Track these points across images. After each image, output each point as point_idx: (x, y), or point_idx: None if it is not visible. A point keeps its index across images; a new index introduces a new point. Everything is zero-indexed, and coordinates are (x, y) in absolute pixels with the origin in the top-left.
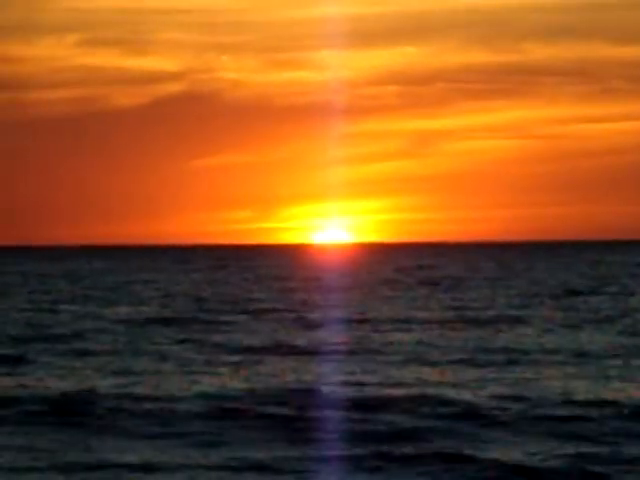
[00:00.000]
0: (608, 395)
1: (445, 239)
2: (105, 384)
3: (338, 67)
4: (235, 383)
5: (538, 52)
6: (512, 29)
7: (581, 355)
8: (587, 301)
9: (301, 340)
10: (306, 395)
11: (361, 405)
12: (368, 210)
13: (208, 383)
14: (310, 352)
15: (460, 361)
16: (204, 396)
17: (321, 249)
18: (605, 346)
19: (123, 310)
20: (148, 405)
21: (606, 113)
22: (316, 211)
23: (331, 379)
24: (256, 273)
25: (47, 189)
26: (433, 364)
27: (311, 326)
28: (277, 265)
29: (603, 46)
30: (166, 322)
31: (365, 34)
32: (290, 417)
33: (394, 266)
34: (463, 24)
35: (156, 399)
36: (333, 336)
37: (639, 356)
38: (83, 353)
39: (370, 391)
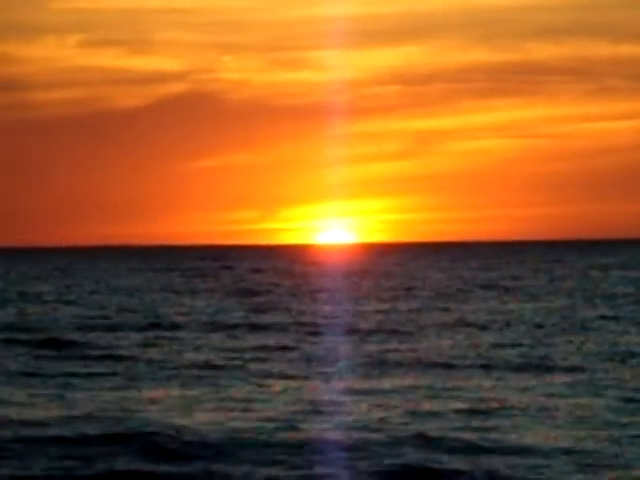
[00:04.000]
0: None
1: (449, 239)
2: None
3: (340, 67)
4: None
5: (540, 51)
6: (513, 28)
7: None
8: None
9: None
10: None
11: None
12: (370, 210)
13: None
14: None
15: None
16: None
17: (323, 249)
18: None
19: None
20: None
21: (608, 112)
22: (319, 211)
23: None
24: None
25: (47, 190)
26: None
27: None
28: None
29: (605, 45)
30: None
31: (367, 34)
32: None
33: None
34: (464, 23)
35: None
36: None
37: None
38: None
39: None
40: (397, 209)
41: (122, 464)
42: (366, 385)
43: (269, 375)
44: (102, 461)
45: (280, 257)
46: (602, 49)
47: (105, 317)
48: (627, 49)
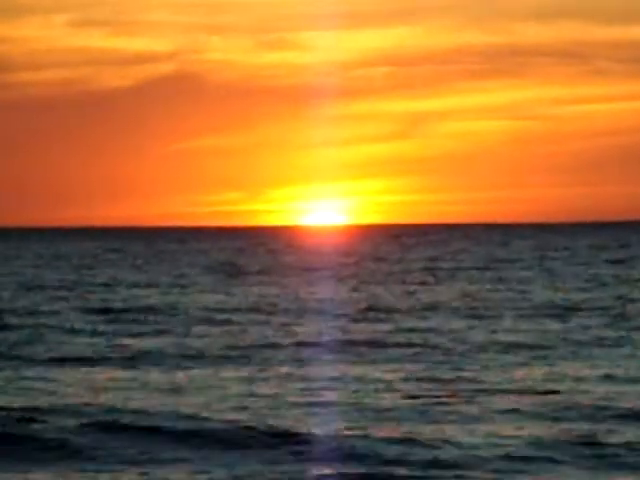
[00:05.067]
0: None
1: (439, 220)
2: None
3: (328, 48)
4: None
5: (531, 33)
6: (504, 10)
7: None
8: None
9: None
10: None
11: None
12: (360, 192)
13: None
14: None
15: None
16: None
17: (308, 231)
18: None
19: None
20: None
21: (600, 94)
22: (306, 193)
23: None
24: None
25: (28, 170)
26: None
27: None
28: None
29: (596, 27)
30: None
31: (356, 15)
32: None
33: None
34: (455, 5)
35: None
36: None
37: None
38: None
39: None
40: (387, 190)
41: None
42: None
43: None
44: None
45: (262, 238)
46: (594, 31)
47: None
48: (619, 31)
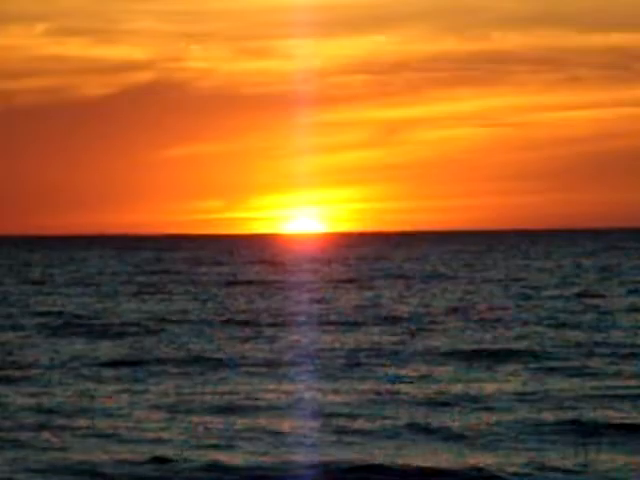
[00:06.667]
0: None
1: (415, 228)
2: None
3: (307, 56)
4: None
5: (507, 40)
6: (481, 17)
7: None
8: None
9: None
10: None
11: None
12: (338, 199)
13: None
14: None
15: None
16: None
17: (291, 238)
18: None
19: None
20: None
21: (576, 101)
22: (286, 201)
23: None
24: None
25: (13, 179)
26: None
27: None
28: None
29: (572, 34)
30: None
31: (334, 23)
32: None
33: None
34: (432, 12)
35: None
36: None
37: None
38: None
39: None
40: (365, 198)
41: None
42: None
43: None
44: None
45: (245, 246)
46: (570, 39)
47: None
48: (595, 39)
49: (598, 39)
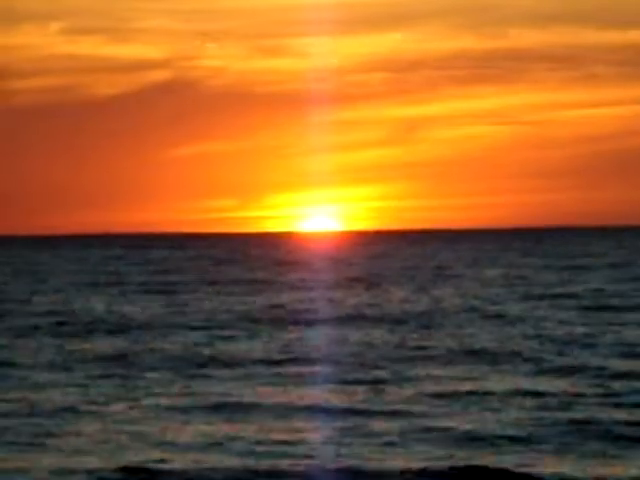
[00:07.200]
0: None
1: (434, 226)
2: None
3: (323, 54)
4: None
5: (525, 38)
6: (499, 15)
7: None
8: None
9: None
10: None
11: None
12: (355, 198)
13: None
14: None
15: None
16: None
17: (306, 237)
18: None
19: None
20: None
21: (593, 99)
22: (302, 199)
23: None
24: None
25: (26, 177)
26: None
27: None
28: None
29: (590, 32)
30: None
31: (351, 21)
32: None
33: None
34: (449, 10)
35: None
36: None
37: None
38: None
39: None
40: (382, 196)
41: None
42: None
43: None
44: None
45: (258, 245)
46: (587, 36)
47: None
48: (612, 36)
49: (616, 36)
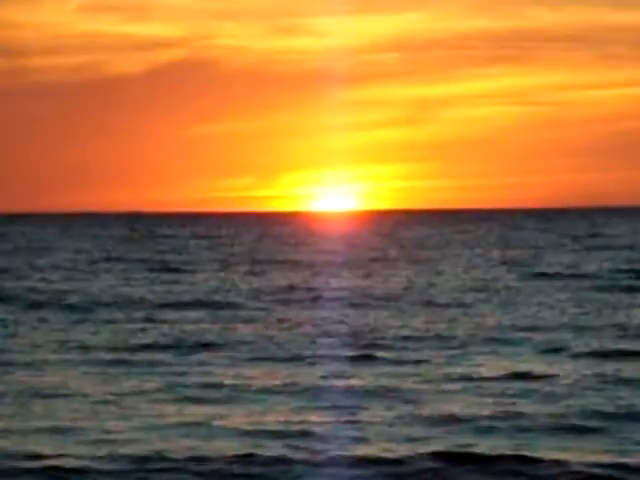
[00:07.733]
0: None
1: (449, 206)
2: None
3: (339, 33)
4: None
5: (540, 18)
6: None
7: None
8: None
9: None
10: None
11: None
12: (371, 177)
13: None
14: None
15: None
16: None
17: (321, 217)
18: None
19: None
20: None
21: (609, 79)
22: (317, 178)
23: None
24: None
25: (46, 156)
26: None
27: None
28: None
29: (606, 12)
30: None
31: (367, 0)
32: None
33: None
34: None
35: None
36: None
37: None
38: None
39: None
40: (398, 176)
41: None
42: None
43: None
44: None
45: (274, 224)
46: (604, 16)
47: None
48: (629, 16)
49: (632, 16)
